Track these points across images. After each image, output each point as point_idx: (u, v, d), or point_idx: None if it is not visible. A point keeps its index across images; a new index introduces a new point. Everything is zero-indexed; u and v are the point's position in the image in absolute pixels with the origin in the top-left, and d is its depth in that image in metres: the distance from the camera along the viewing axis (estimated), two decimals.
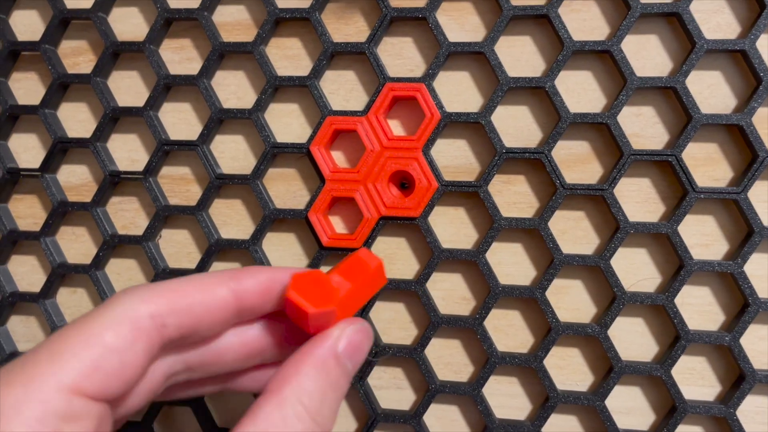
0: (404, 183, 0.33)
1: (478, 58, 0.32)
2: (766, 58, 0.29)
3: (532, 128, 0.32)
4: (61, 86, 0.36)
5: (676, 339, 0.31)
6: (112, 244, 0.35)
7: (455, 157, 0.33)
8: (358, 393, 0.33)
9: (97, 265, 0.35)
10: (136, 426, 0.34)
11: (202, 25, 0.34)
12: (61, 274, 0.36)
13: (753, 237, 0.30)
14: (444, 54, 0.32)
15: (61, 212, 0.36)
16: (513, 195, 0.33)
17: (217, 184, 0.34)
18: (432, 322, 0.32)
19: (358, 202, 0.32)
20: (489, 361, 0.32)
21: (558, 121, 0.31)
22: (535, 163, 0.32)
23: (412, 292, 0.33)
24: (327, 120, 0.33)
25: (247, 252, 0.35)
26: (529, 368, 0.33)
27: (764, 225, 0.29)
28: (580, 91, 0.32)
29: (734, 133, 0.31)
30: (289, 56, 0.34)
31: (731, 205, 0.31)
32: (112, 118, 0.35)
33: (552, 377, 0.32)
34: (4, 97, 0.36)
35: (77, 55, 0.36)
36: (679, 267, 0.31)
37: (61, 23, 0.35)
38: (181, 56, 0.35)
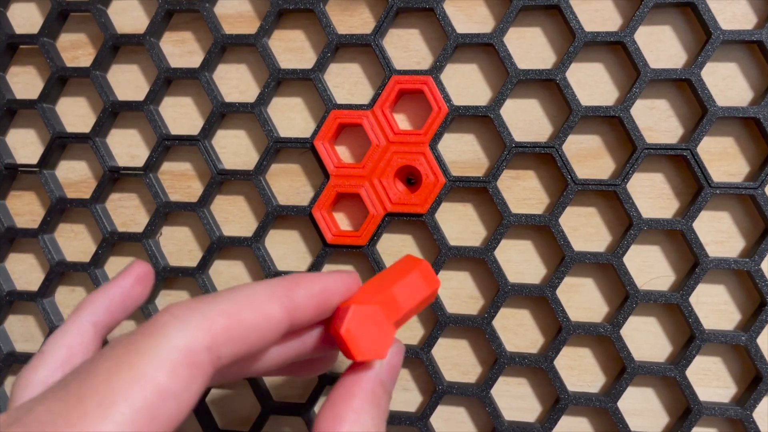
0: (410, 179, 0.32)
1: (486, 49, 0.32)
2: None
3: (543, 122, 0.31)
4: (60, 80, 0.35)
5: (690, 339, 0.30)
6: (112, 242, 0.34)
7: (463, 152, 0.32)
8: None
9: (97, 264, 0.35)
10: None
11: (203, 17, 0.33)
12: (59, 272, 0.35)
13: None
14: (452, 46, 0.31)
15: (60, 209, 0.35)
16: (522, 191, 0.32)
17: (219, 180, 0.33)
18: (439, 322, 0.32)
19: (363, 198, 0.32)
20: (498, 361, 0.31)
21: (569, 114, 0.30)
22: (546, 158, 0.31)
23: None
24: (331, 114, 0.32)
25: (250, 249, 0.34)
26: (539, 369, 0.32)
27: None
28: (592, 83, 0.31)
29: (751, 126, 0.30)
30: (292, 49, 0.33)
31: (748, 201, 0.30)
32: (112, 113, 0.34)
33: (563, 378, 0.31)
34: (2, 91, 0.35)
35: (76, 49, 0.36)
36: (693, 265, 0.30)
37: (60, 16, 0.35)
38: (182, 49, 0.35)
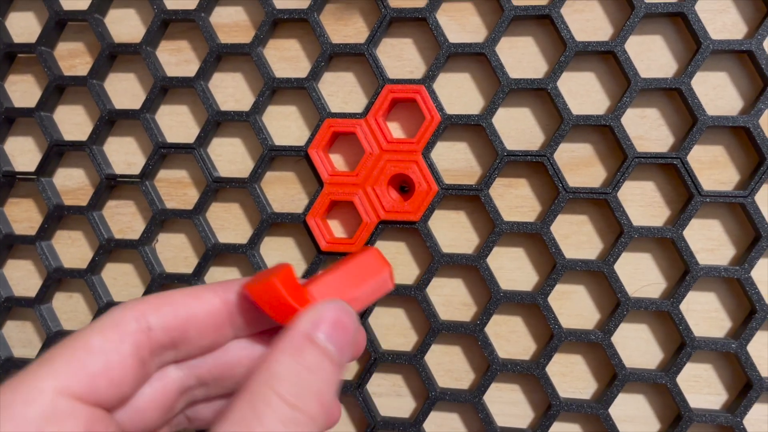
0: (404, 186, 0.33)
1: (479, 59, 0.32)
2: None
3: (534, 131, 0.32)
4: (58, 89, 0.35)
5: (681, 346, 0.30)
6: (109, 249, 0.35)
7: (456, 160, 0.32)
8: (357, 400, 0.32)
9: (93, 270, 0.35)
10: None
11: (199, 27, 0.33)
12: (57, 278, 0.35)
13: (760, 242, 0.29)
14: (444, 55, 0.31)
15: (57, 216, 0.35)
16: (515, 199, 0.32)
17: (215, 188, 0.34)
18: (432, 328, 0.32)
19: (357, 205, 0.32)
20: (490, 368, 0.31)
21: (560, 123, 0.30)
22: (537, 166, 0.32)
23: (411, 298, 0.33)
24: (325, 122, 0.32)
25: (245, 257, 0.34)
26: (531, 375, 0.32)
27: None
28: (583, 92, 0.31)
29: (741, 135, 0.30)
30: (287, 58, 0.34)
31: (738, 209, 0.30)
32: (109, 121, 0.35)
33: (554, 385, 0.31)
34: (0, 99, 0.36)
35: (74, 58, 0.36)
36: (684, 272, 0.30)
37: (58, 25, 0.35)
38: (178, 58, 0.35)
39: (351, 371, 0.34)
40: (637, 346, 0.31)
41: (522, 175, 0.32)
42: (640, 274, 0.31)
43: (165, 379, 0.22)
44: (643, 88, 0.29)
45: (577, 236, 0.32)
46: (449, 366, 0.33)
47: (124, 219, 0.36)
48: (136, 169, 0.35)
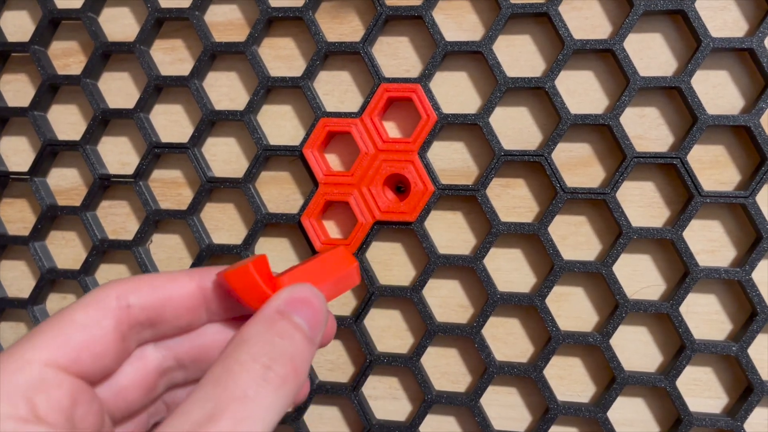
0: (400, 187, 0.32)
1: (475, 57, 0.32)
2: None
3: (532, 130, 0.31)
4: (51, 88, 0.35)
5: (681, 349, 0.30)
6: (102, 249, 0.34)
7: (452, 160, 0.32)
8: (353, 403, 0.32)
9: (87, 271, 0.35)
10: None
11: (193, 25, 0.33)
12: (50, 279, 0.35)
13: (761, 243, 0.28)
14: (441, 54, 0.31)
15: (51, 217, 0.35)
16: (512, 199, 0.32)
17: (209, 188, 0.33)
18: (428, 330, 0.31)
19: (352, 206, 0.31)
20: (487, 370, 0.31)
21: (558, 122, 0.30)
22: (535, 166, 0.31)
23: (407, 300, 0.33)
24: (321, 122, 0.32)
25: (239, 257, 0.34)
26: (528, 378, 0.32)
27: None
28: (582, 91, 0.31)
29: (741, 134, 0.30)
30: (282, 56, 0.33)
31: (738, 210, 0.30)
32: (103, 121, 0.34)
33: (552, 388, 0.31)
34: None
35: (68, 56, 0.36)
36: (684, 274, 0.30)
37: (51, 24, 0.35)
38: (172, 57, 0.35)
39: (346, 373, 0.34)
40: (636, 348, 0.31)
41: (519, 175, 0.32)
42: (639, 276, 0.31)
43: (145, 359, 0.24)
44: (643, 87, 0.29)
45: (575, 237, 0.31)
46: (446, 368, 0.33)
47: (117, 219, 0.35)
48: (130, 169, 0.35)
